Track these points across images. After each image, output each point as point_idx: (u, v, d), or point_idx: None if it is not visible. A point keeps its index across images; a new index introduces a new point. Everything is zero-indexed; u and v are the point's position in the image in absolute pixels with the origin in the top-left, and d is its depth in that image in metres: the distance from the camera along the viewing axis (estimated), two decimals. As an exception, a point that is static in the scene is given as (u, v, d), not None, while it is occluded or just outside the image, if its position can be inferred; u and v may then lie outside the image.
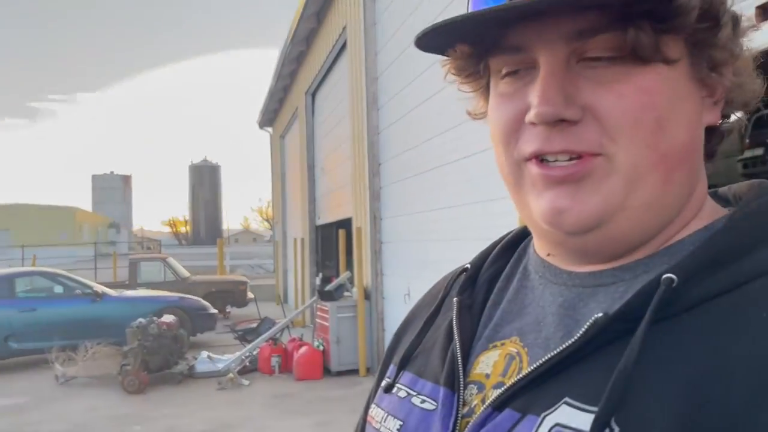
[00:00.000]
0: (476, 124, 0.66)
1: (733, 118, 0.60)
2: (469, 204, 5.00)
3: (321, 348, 7.99)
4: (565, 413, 0.49)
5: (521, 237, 0.70)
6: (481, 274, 0.69)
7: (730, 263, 0.50)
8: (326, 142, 11.41)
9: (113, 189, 79.46)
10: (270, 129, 18.27)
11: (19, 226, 46.86)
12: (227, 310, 13.05)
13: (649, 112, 0.50)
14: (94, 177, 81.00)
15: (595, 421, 0.46)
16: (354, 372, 7.63)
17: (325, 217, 11.62)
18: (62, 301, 9.54)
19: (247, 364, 8.14)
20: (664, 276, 0.49)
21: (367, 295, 7.76)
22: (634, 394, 0.46)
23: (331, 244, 10.57)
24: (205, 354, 8.35)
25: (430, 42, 0.54)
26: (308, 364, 7.69)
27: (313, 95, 12.19)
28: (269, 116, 17.40)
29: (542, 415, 0.50)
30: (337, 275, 9.09)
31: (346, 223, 9.28)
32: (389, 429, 0.63)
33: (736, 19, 0.54)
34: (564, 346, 0.51)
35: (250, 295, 14.18)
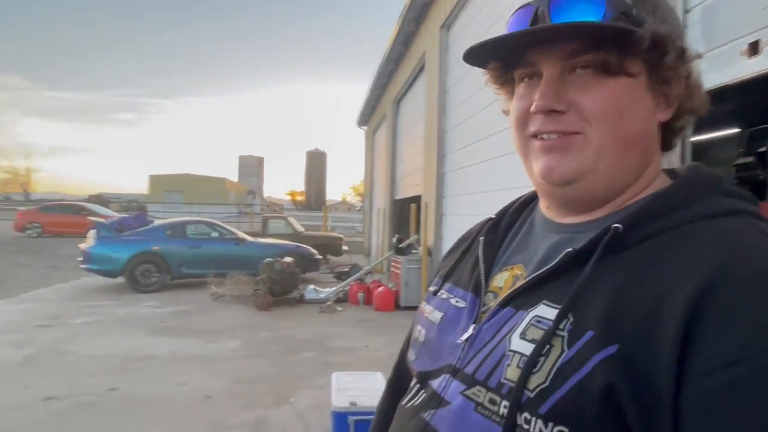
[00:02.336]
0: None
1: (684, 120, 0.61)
2: (509, 189, 4.95)
3: (394, 289, 8.03)
4: (542, 309, 0.53)
5: (532, 198, 0.72)
6: (502, 222, 0.71)
7: (660, 217, 0.53)
8: (405, 138, 11.34)
9: (251, 166, 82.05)
10: (365, 127, 18.28)
11: (188, 190, 49.10)
12: (328, 257, 13.27)
13: (613, 107, 0.54)
14: (240, 157, 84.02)
15: (558, 312, 0.51)
16: (416, 307, 7.62)
17: (401, 194, 11.55)
18: (217, 242, 9.73)
19: (341, 296, 8.23)
20: (613, 225, 0.52)
21: (429, 253, 7.73)
22: (584, 299, 0.50)
23: (405, 214, 10.55)
24: (311, 287, 8.52)
25: (473, 59, 0.61)
26: (384, 300, 7.75)
27: (398, 102, 12.11)
28: (365, 117, 17.42)
29: (528, 311, 0.55)
30: (408, 237, 9.08)
31: (416, 199, 9.20)
32: (435, 318, 0.67)
33: (682, 50, 0.56)
34: (546, 268, 0.56)
35: (345, 247, 14.30)
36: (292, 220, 14.95)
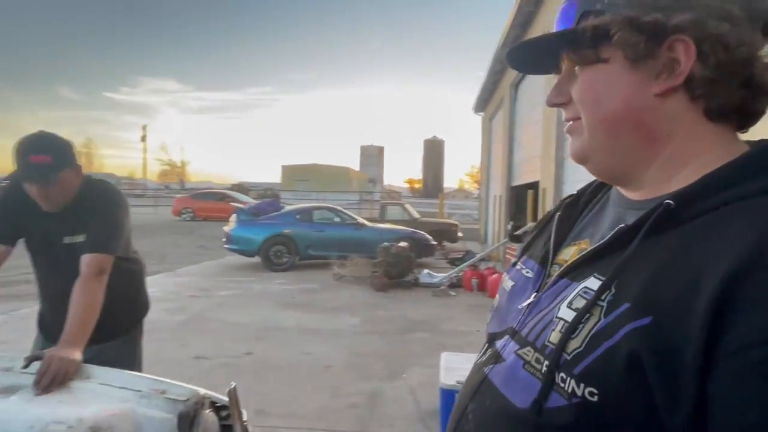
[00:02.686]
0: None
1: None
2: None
3: (508, 275, 7.91)
4: (590, 281, 0.55)
5: None
6: (582, 198, 0.73)
7: (714, 193, 0.52)
8: (523, 122, 10.95)
9: (372, 155, 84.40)
10: (482, 113, 17.98)
11: (314, 179, 52.16)
12: (443, 243, 13.33)
13: (589, 93, 0.59)
14: (361, 147, 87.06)
15: (601, 284, 0.53)
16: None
17: (518, 180, 11.20)
18: (339, 227, 10.26)
19: (455, 281, 8.27)
20: (665, 202, 0.52)
21: (546, 240, 7.46)
22: (627, 273, 0.51)
23: (522, 200, 10.25)
24: (426, 271, 8.63)
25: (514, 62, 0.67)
26: (497, 286, 7.67)
27: (516, 87, 11.70)
28: (482, 103, 17.10)
29: (579, 282, 0.57)
30: (524, 224, 8.84)
31: (533, 185, 8.89)
32: (508, 286, 0.73)
33: (654, 24, 0.54)
34: (599, 243, 0.58)
35: (460, 234, 14.22)
36: (408, 206, 15.22)
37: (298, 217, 10.25)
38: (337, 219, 10.51)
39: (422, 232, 10.94)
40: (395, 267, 8.16)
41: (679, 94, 0.55)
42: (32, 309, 5.36)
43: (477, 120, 18.66)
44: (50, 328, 1.91)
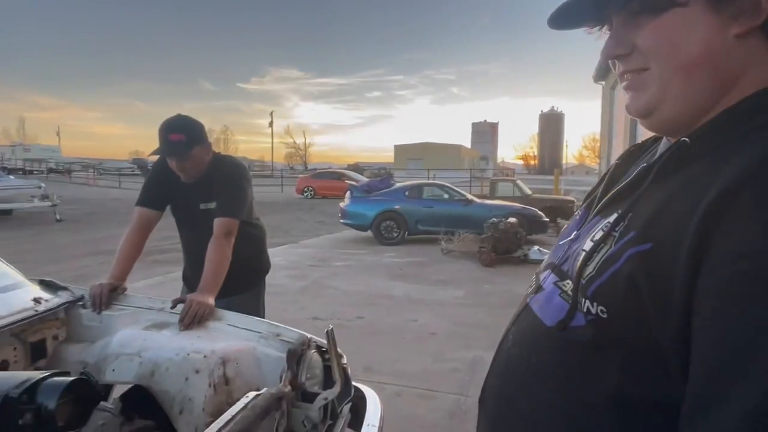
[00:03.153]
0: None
1: None
2: None
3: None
4: (612, 217, 0.59)
5: None
6: (641, 148, 0.74)
7: (727, 129, 0.53)
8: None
9: (485, 132, 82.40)
10: (603, 82, 16.65)
11: (427, 157, 52.40)
12: (557, 220, 12.77)
13: (664, 40, 0.56)
14: (473, 124, 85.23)
15: (616, 217, 0.57)
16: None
17: (642, 153, 10.34)
18: (448, 203, 10.28)
19: None
20: (682, 139, 0.55)
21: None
22: (639, 206, 0.55)
23: (645, 174, 9.41)
24: (536, 247, 8.42)
25: (558, 24, 0.65)
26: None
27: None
28: (602, 72, 15.82)
29: (606, 218, 0.61)
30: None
31: (658, 158, 8.17)
32: (562, 229, 0.79)
33: None
34: (624, 182, 0.62)
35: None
36: (520, 183, 14.69)
37: (407, 193, 10.46)
38: (446, 195, 10.54)
39: (533, 209, 10.59)
40: (503, 242, 8.03)
41: (757, 34, 0.53)
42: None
43: (597, 89, 17.33)
44: (191, 280, 2.26)
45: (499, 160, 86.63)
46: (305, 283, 6.56)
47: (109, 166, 47.13)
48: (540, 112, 76.39)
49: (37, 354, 1.64)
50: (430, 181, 12.23)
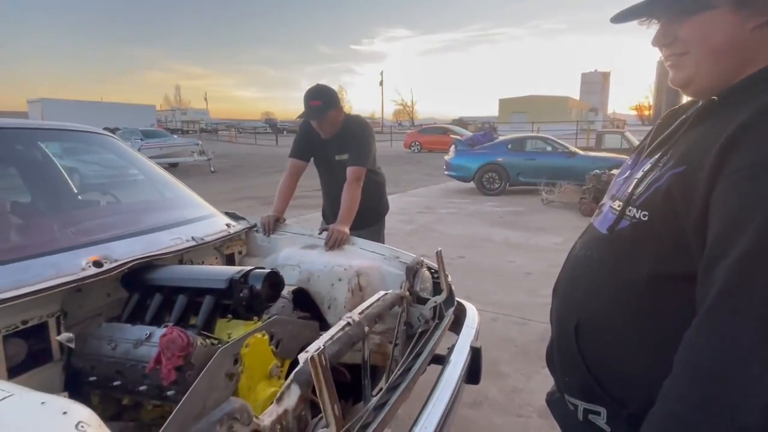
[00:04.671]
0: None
1: None
2: None
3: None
4: (658, 155, 0.75)
5: None
6: (680, 112, 0.84)
7: (746, 89, 0.67)
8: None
9: (595, 83, 75.02)
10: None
11: (531, 110, 49.33)
12: (668, 173, 11.62)
13: (697, 33, 0.71)
14: (582, 74, 77.88)
15: (660, 154, 0.75)
16: None
17: None
18: (550, 155, 9.96)
19: None
20: (712, 97, 0.71)
21: None
22: (679, 144, 0.72)
23: None
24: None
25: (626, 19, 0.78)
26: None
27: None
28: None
29: (653, 158, 0.77)
30: None
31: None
32: (621, 170, 0.92)
33: None
34: (668, 131, 0.78)
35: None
36: (629, 134, 13.55)
37: (510, 146, 10.28)
38: (549, 148, 10.18)
39: (641, 160, 9.79)
40: (604, 193, 7.66)
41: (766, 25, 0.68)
42: (311, 215, 6.86)
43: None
44: (328, 216, 2.71)
45: (609, 112, 78.93)
46: (413, 226, 6.97)
47: (246, 126, 51.54)
48: (658, 59, 67.44)
49: (229, 263, 2.17)
50: (534, 135, 11.77)
